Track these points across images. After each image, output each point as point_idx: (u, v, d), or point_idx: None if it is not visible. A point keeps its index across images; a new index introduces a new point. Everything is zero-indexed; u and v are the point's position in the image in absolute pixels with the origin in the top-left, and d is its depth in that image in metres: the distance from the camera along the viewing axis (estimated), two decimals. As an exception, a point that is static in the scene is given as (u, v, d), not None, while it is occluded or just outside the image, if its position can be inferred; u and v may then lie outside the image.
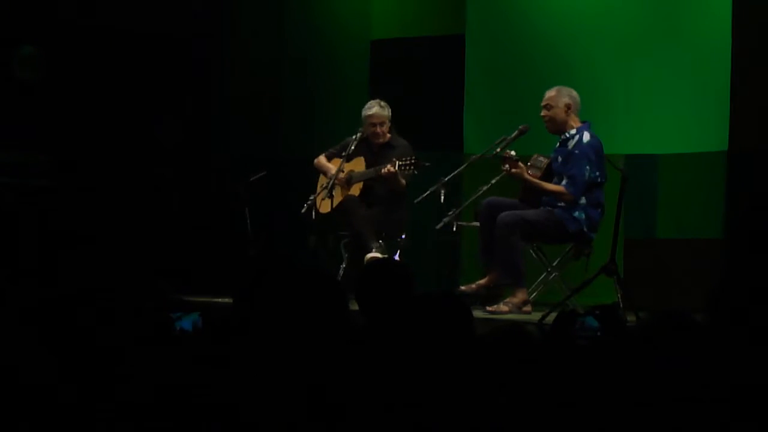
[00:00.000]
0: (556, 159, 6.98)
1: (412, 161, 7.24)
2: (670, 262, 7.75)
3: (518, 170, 6.89)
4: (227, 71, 9.31)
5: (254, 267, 3.93)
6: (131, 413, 2.78)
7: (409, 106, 8.21)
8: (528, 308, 6.84)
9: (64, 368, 2.90)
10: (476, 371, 2.88)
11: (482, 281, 6.96)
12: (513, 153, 6.91)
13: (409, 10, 8.84)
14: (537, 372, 2.90)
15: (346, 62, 9.00)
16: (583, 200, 6.84)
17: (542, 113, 6.98)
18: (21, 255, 7.11)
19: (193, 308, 3.89)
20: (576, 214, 6.84)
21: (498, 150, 7.03)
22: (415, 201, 7.16)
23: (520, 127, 7.09)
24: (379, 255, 7.10)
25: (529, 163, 7.01)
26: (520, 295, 6.83)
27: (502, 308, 6.77)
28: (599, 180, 6.88)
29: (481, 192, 7.07)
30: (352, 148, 7.55)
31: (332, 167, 7.62)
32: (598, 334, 3.43)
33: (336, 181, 7.49)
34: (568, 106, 6.94)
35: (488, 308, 6.78)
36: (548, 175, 6.98)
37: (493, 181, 7.02)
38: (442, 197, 7.09)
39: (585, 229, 6.85)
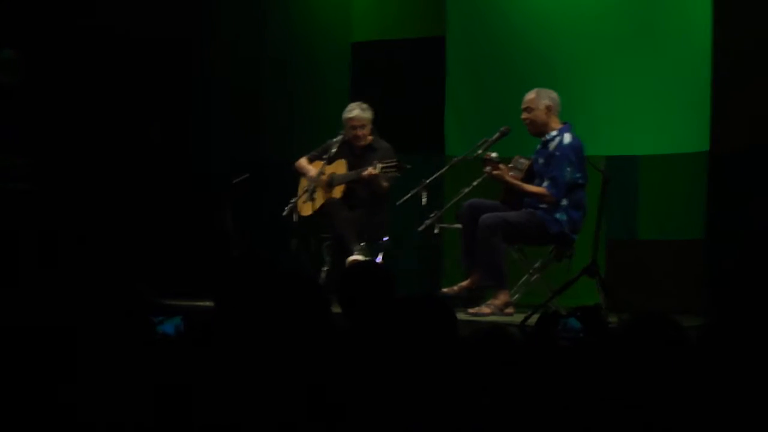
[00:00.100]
0: (537, 160, 6.99)
1: (394, 164, 7.24)
2: (652, 263, 7.76)
3: (499, 172, 6.89)
4: (207, 73, 9.27)
5: (236, 270, 3.91)
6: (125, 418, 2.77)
7: (391, 108, 8.18)
8: (510, 310, 6.83)
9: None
10: (459, 373, 2.87)
11: (464, 283, 6.95)
12: (495, 155, 6.91)
13: (390, 13, 8.82)
14: (519, 373, 2.90)
15: (327, 65, 8.97)
16: (564, 202, 6.84)
17: (522, 116, 6.98)
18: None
19: (175, 312, 3.87)
20: (558, 215, 6.84)
21: (480, 152, 7.04)
22: (397, 203, 7.16)
23: (501, 128, 7.09)
24: (361, 257, 7.10)
25: (510, 165, 7.02)
26: (502, 297, 6.83)
27: (484, 310, 6.76)
28: (580, 181, 6.88)
29: (462, 194, 7.07)
30: (334, 150, 7.55)
31: (313, 170, 7.62)
32: (581, 335, 3.43)
33: (317, 184, 7.48)
34: (548, 108, 6.95)
35: (470, 310, 6.77)
36: (530, 176, 6.99)
37: (475, 183, 7.02)
38: (424, 199, 7.08)
39: (567, 231, 6.85)
